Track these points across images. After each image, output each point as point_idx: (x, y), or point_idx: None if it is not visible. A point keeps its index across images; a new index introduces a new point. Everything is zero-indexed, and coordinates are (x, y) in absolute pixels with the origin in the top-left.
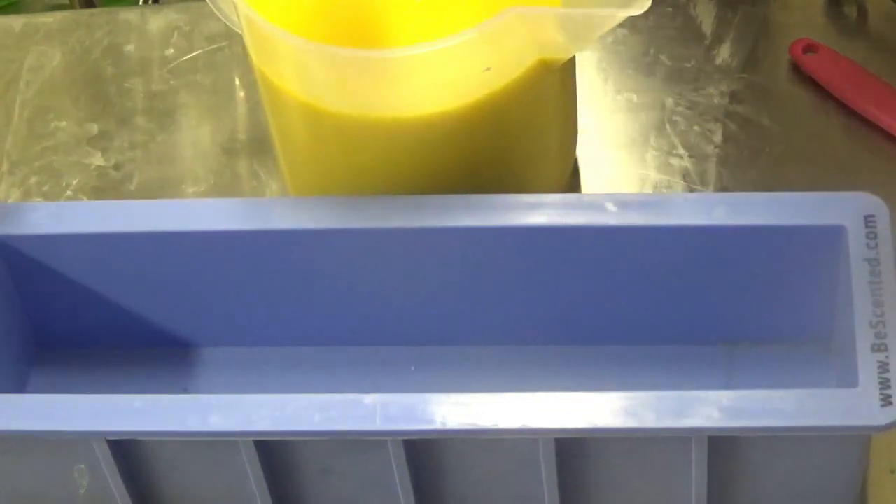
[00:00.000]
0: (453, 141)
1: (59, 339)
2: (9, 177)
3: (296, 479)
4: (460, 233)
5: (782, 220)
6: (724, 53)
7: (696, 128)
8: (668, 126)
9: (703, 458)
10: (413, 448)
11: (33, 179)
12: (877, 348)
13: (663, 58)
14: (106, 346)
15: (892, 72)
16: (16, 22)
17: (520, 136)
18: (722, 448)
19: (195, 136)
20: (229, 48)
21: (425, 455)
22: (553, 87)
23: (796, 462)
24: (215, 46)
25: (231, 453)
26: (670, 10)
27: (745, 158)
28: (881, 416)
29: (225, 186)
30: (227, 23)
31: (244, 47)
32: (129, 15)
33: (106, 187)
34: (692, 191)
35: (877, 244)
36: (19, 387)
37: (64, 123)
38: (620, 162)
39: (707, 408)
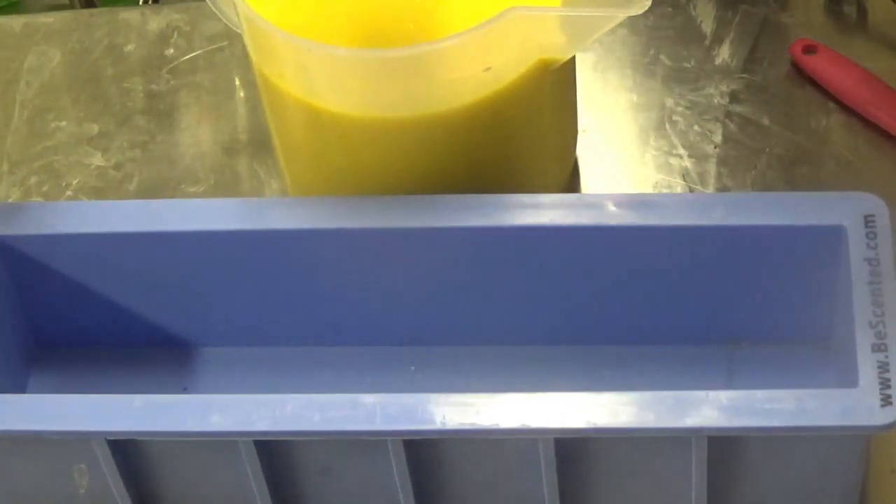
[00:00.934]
0: (453, 141)
1: (59, 339)
2: (9, 177)
3: (296, 479)
4: (460, 233)
5: (782, 220)
6: (724, 53)
7: (696, 128)
8: (668, 126)
9: (703, 458)
10: (413, 448)
11: (33, 179)
12: (877, 348)
13: (663, 58)
14: (106, 346)
15: (892, 72)
16: (16, 22)
17: (520, 136)
18: (722, 448)
19: (195, 136)
20: (229, 48)
21: (425, 455)
22: (553, 87)
23: (796, 462)
24: (215, 46)
25: (231, 453)
26: (670, 10)
27: (745, 158)
28: (881, 416)
29: (225, 186)
30: (227, 23)
31: (244, 47)
32: (129, 15)
33: (106, 187)
34: (692, 191)
35: (877, 244)
36: (19, 387)
37: (64, 123)
38: (620, 162)
39: (707, 408)
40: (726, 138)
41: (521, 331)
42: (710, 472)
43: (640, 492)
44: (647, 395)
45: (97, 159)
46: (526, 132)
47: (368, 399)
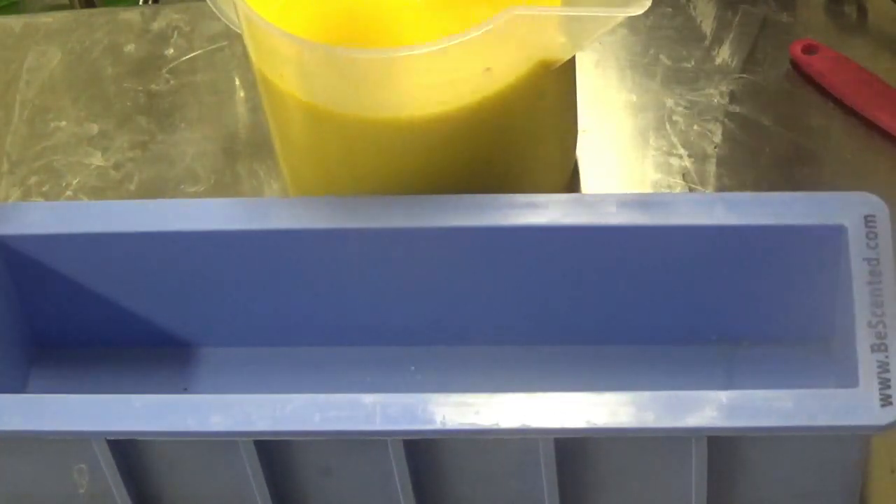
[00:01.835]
0: (453, 141)
1: (59, 339)
2: (9, 177)
3: (296, 479)
4: (460, 233)
5: (782, 220)
6: (724, 53)
7: (695, 128)
8: (667, 126)
9: (703, 458)
10: (413, 448)
11: (33, 179)
12: (877, 348)
13: (663, 58)
14: (106, 346)
15: (893, 72)
16: (16, 22)
17: (520, 136)
18: (722, 448)
19: (195, 136)
20: (229, 48)
21: (425, 455)
22: (553, 87)
23: (796, 462)
24: (215, 46)
25: (231, 453)
26: (670, 10)
27: (745, 158)
28: (881, 416)
29: (225, 186)
30: (227, 23)
31: (244, 47)
32: (129, 15)
33: (106, 187)
34: (692, 191)
35: (877, 244)
36: (19, 387)
37: (64, 123)
38: (620, 162)
39: (707, 408)
40: (726, 138)
41: (521, 331)
42: (710, 472)
43: (640, 492)
44: (647, 395)
45: (97, 159)
46: (526, 132)
47: (368, 399)
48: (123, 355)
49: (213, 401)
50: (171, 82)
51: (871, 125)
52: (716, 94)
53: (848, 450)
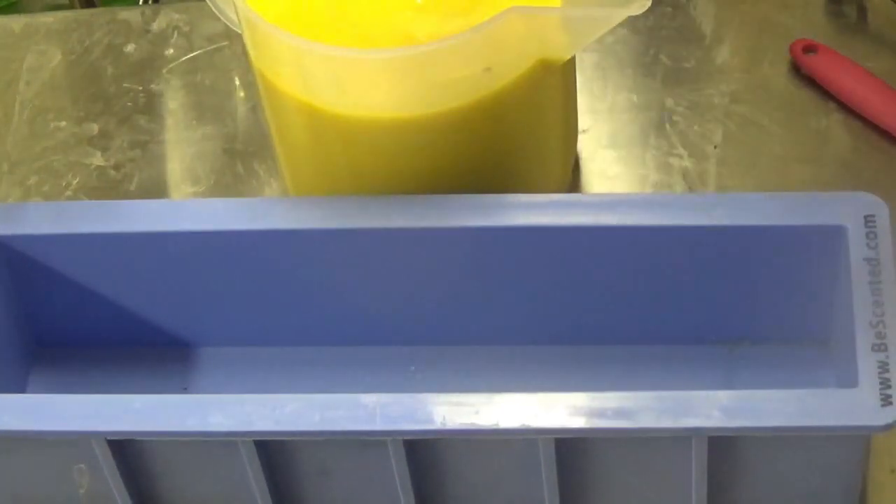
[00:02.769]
0: (453, 141)
1: (58, 339)
2: (9, 177)
3: (296, 479)
4: (460, 233)
5: (782, 220)
6: (724, 53)
7: (696, 128)
8: (667, 126)
9: (703, 458)
10: (413, 448)
11: (33, 179)
12: (877, 348)
13: (663, 58)
14: (106, 346)
15: (892, 72)
16: (16, 22)
17: (520, 136)
18: (722, 448)
19: (195, 136)
20: (229, 48)
21: (425, 455)
22: (553, 87)
23: (796, 462)
24: (215, 46)
25: (231, 453)
26: (670, 10)
27: (745, 158)
28: (881, 416)
29: (225, 186)
30: (227, 23)
31: (244, 47)
32: (129, 15)
33: (106, 187)
34: (692, 191)
35: (877, 244)
36: (19, 387)
37: (64, 123)
38: (620, 162)
39: (707, 408)
40: (726, 138)
41: (521, 331)
42: (710, 472)
43: (640, 492)
44: (647, 395)
45: (97, 159)
46: (526, 132)
47: (368, 399)
48: (123, 355)
49: (213, 401)
50: (171, 82)
51: (871, 125)
52: (716, 94)
53: (848, 450)
